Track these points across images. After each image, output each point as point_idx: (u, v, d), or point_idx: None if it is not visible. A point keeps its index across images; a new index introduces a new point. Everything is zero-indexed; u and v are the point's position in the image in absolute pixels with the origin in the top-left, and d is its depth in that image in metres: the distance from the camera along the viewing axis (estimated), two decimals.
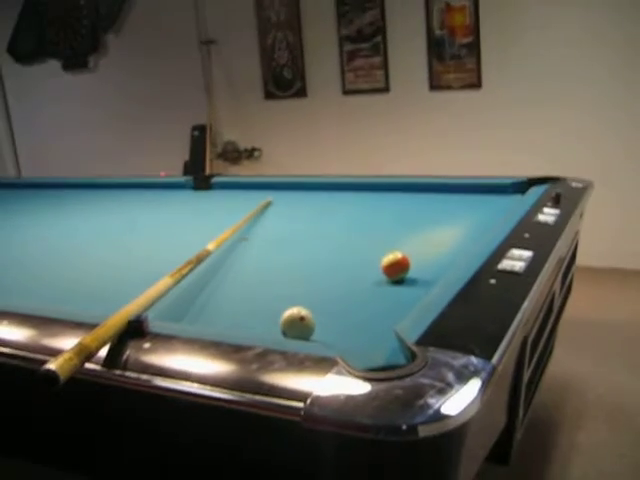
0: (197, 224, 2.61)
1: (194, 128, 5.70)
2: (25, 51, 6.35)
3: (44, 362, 1.00)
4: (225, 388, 1.00)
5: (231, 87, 5.54)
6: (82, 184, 3.60)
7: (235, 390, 1.00)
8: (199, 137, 5.66)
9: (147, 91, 5.86)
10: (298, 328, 1.26)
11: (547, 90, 4.40)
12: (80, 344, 1.07)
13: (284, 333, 1.27)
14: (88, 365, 1.09)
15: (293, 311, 1.29)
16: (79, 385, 1.08)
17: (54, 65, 6.21)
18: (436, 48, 4.68)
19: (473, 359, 1.01)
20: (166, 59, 5.71)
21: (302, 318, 1.27)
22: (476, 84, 4.59)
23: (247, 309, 1.55)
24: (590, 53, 4.24)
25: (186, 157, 5.71)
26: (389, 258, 1.66)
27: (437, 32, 4.65)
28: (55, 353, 1.05)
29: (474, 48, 4.54)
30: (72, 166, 5.96)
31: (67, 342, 1.13)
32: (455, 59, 4.62)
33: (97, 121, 6.15)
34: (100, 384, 1.14)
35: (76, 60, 6.10)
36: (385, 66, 4.87)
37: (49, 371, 0.98)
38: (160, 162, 5.58)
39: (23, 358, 1.22)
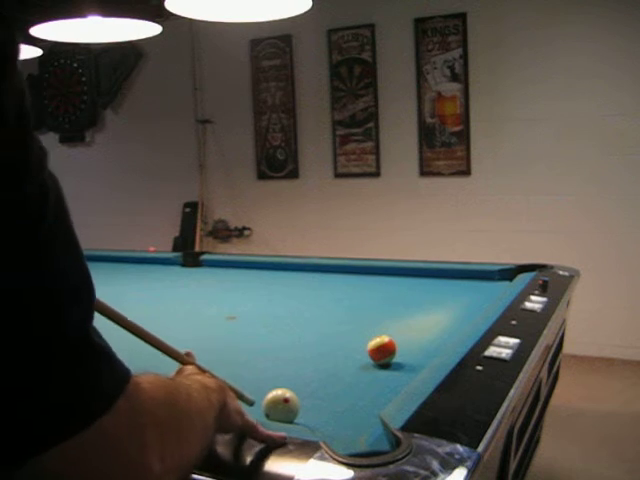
0: (183, 302, 2.60)
1: (186, 205, 5.75)
2: None
3: None
4: (203, 470, 0.98)
5: (224, 166, 5.63)
6: None
7: (214, 473, 0.97)
8: (190, 214, 5.71)
9: (142, 166, 5.94)
10: (281, 410, 1.24)
11: (534, 180, 4.49)
12: None
13: (267, 415, 1.25)
14: None
15: (277, 392, 1.27)
16: None
17: (51, 137, 6.30)
18: (427, 135, 4.79)
19: (459, 447, 1.00)
20: (162, 136, 5.81)
21: (286, 400, 1.25)
22: (465, 171, 4.69)
23: None
24: (574, 144, 4.36)
25: (176, 233, 5.74)
26: (376, 342, 1.65)
27: (428, 120, 4.78)
28: None
29: (464, 136, 4.65)
30: None
31: None
32: (445, 146, 4.73)
33: (90, 194, 6.19)
34: None
35: (73, 134, 6.21)
36: (377, 151, 4.97)
37: None
38: (150, 236, 5.59)
39: None
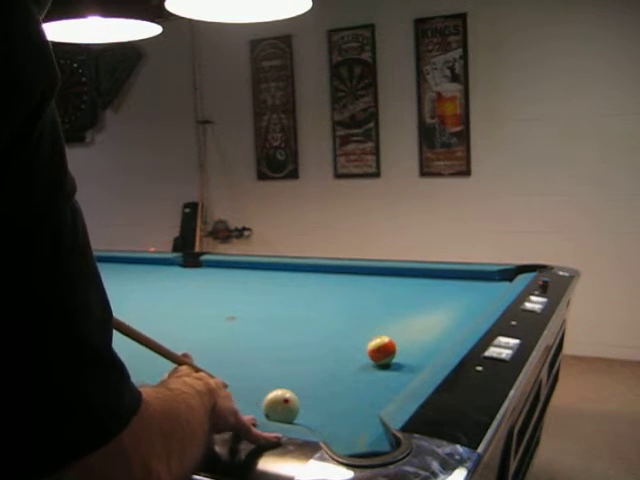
0: (183, 302, 2.60)
1: (186, 205, 5.75)
2: None
3: None
4: (203, 471, 0.98)
5: (224, 166, 5.63)
6: None
7: (214, 473, 0.97)
8: (190, 214, 5.70)
9: (142, 167, 5.94)
10: (281, 411, 1.24)
11: (534, 180, 4.49)
12: None
13: (267, 415, 1.25)
14: None
15: (277, 393, 1.26)
16: None
17: None
18: (427, 136, 4.79)
19: (459, 448, 1.00)
20: (162, 137, 5.81)
21: (286, 400, 1.25)
22: (465, 172, 4.68)
23: (230, 388, 1.53)
24: (574, 145, 4.36)
25: (176, 233, 5.73)
26: (376, 342, 1.65)
27: (428, 120, 4.78)
28: None
29: (464, 137, 4.65)
30: None
31: None
32: (445, 147, 4.73)
33: (90, 194, 6.19)
34: None
35: (73, 134, 6.20)
36: (377, 152, 4.97)
37: None
38: (150, 237, 5.59)
39: None
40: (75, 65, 6.08)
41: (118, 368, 0.57)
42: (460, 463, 0.96)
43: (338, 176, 5.15)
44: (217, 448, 1.01)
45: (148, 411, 0.60)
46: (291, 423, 1.23)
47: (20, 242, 0.48)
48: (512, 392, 1.27)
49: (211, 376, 0.94)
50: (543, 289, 2.18)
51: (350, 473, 0.93)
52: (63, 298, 0.51)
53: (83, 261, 0.55)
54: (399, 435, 1.04)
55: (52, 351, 0.50)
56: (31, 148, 0.49)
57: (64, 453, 0.51)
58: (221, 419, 0.87)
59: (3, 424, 0.49)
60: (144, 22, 2.92)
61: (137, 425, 0.57)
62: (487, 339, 1.61)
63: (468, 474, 0.94)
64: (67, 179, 0.53)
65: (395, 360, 1.65)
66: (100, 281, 0.57)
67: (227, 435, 1.01)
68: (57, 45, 0.54)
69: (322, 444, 1.00)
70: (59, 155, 0.52)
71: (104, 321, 0.56)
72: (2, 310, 0.48)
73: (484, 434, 1.06)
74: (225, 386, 0.97)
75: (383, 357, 1.64)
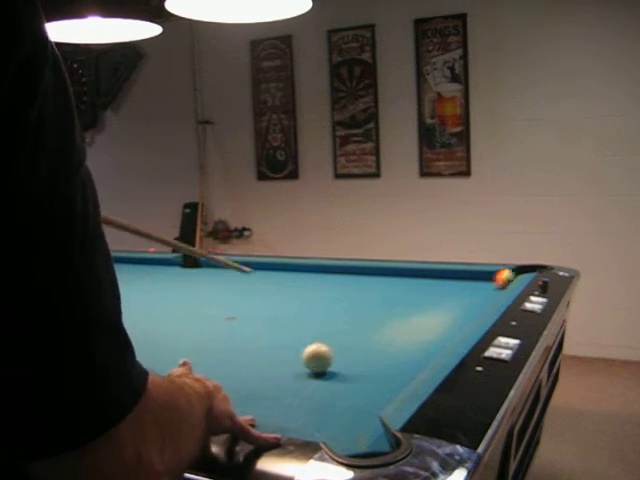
0: (183, 302, 2.60)
1: (186, 205, 5.74)
2: None
3: None
4: (201, 471, 0.98)
5: (224, 166, 5.62)
6: None
7: (213, 473, 0.97)
8: (190, 214, 5.70)
9: (142, 167, 5.93)
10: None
11: (533, 180, 4.49)
12: None
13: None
14: None
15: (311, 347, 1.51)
16: None
17: None
18: (427, 136, 4.79)
19: (459, 448, 1.00)
20: (162, 137, 5.81)
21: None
22: (465, 172, 4.68)
23: (228, 389, 1.53)
24: (574, 145, 4.36)
25: (176, 234, 5.73)
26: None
27: (428, 121, 4.78)
28: None
29: (464, 137, 4.65)
30: None
31: None
32: (445, 147, 4.73)
33: None
34: None
35: None
36: (377, 152, 4.97)
37: None
38: None
39: None
40: (75, 65, 6.08)
41: (130, 348, 0.56)
42: (460, 463, 0.96)
43: (338, 176, 5.15)
44: (216, 449, 1.01)
45: (151, 395, 0.59)
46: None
47: (33, 218, 0.48)
48: (512, 392, 1.27)
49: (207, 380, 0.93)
50: (543, 289, 2.18)
51: (350, 473, 0.93)
52: (77, 278, 0.51)
53: (95, 241, 0.54)
54: (399, 435, 1.04)
55: (68, 330, 0.49)
56: (31, 129, 0.47)
57: (77, 435, 0.50)
58: (217, 421, 0.87)
59: (19, 402, 0.48)
60: (144, 22, 2.91)
61: (137, 409, 0.56)
62: (487, 339, 1.61)
63: (468, 474, 0.94)
64: (76, 148, 0.53)
65: (396, 360, 1.65)
66: (111, 260, 0.56)
67: (226, 436, 1.01)
68: (57, 45, 0.52)
69: (322, 444, 1.00)
70: (67, 126, 0.52)
71: (117, 299, 0.56)
72: (17, 292, 0.47)
73: (484, 434, 1.06)
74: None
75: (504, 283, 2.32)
